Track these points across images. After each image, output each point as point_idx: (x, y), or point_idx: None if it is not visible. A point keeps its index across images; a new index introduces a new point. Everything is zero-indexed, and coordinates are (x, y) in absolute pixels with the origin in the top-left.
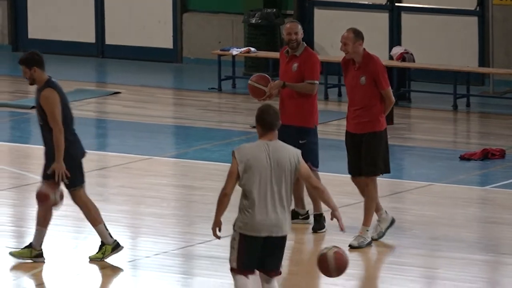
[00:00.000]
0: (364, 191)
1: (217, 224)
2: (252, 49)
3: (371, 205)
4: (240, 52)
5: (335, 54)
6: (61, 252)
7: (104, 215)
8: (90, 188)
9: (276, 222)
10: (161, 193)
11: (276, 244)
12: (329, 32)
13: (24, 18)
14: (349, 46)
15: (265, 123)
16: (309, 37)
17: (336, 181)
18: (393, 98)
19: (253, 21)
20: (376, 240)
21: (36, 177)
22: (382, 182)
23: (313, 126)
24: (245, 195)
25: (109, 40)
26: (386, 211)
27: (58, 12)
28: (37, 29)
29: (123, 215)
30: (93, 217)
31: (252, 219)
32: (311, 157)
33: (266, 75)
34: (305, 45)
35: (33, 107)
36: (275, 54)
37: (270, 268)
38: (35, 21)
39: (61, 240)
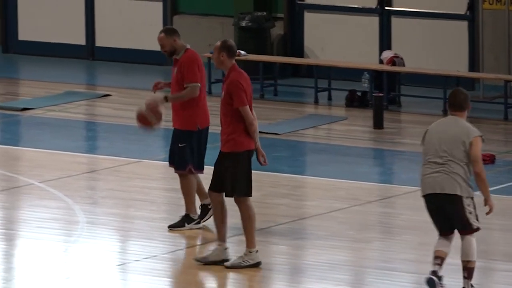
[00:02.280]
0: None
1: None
2: (242, 52)
3: (247, 225)
4: None
5: (325, 57)
6: (51, 255)
7: (94, 218)
8: (80, 191)
9: None
10: (150, 196)
11: None
12: (319, 35)
13: (14, 20)
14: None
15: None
16: (299, 40)
17: (327, 186)
18: (251, 119)
19: (243, 24)
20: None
21: (25, 179)
22: (372, 186)
23: (196, 129)
24: None
25: (99, 42)
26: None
27: (48, 14)
28: (27, 30)
29: (113, 218)
30: None
31: None
32: (192, 160)
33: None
34: (187, 47)
35: (23, 109)
36: (265, 58)
37: None
38: (25, 22)
39: (50, 243)
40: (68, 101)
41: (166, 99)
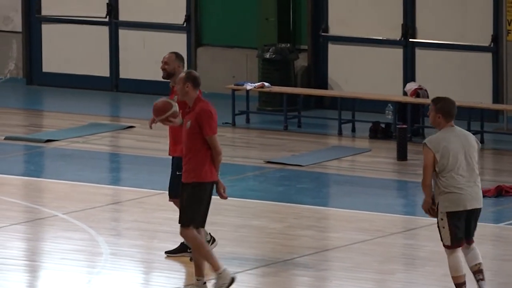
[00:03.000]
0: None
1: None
2: (266, 84)
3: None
4: (254, 87)
5: (349, 89)
6: (74, 287)
7: (118, 249)
8: (103, 222)
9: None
10: (174, 228)
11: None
12: (343, 67)
13: (38, 52)
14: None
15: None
16: (323, 72)
17: (350, 217)
18: (219, 148)
19: (267, 55)
20: None
21: (49, 211)
22: (395, 218)
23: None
24: None
25: (123, 74)
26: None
27: (72, 46)
28: (51, 62)
29: (137, 250)
30: None
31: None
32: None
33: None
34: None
35: (47, 141)
36: (289, 89)
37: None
38: (49, 54)
39: (74, 275)
40: (92, 133)
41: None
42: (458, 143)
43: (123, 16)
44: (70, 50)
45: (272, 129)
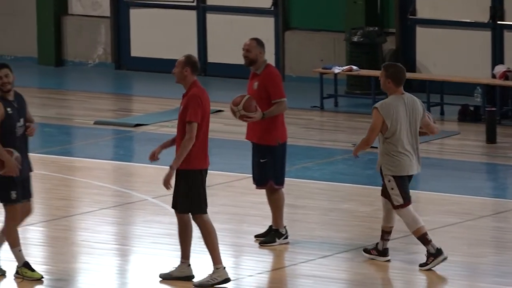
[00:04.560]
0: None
1: None
2: (354, 67)
3: (208, 242)
4: (342, 71)
5: (438, 73)
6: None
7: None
8: None
9: None
10: (263, 212)
11: None
12: (431, 50)
13: (126, 36)
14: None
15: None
16: (411, 55)
17: (440, 200)
18: (193, 136)
19: (355, 39)
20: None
21: (139, 195)
22: (485, 201)
23: (276, 144)
24: None
25: (211, 58)
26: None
27: (160, 30)
28: (139, 47)
29: (226, 234)
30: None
31: None
32: (272, 175)
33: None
34: (267, 62)
35: (136, 125)
36: (377, 73)
37: None
38: (137, 39)
39: (164, 259)
40: None
41: (263, 115)
42: (406, 111)
43: (210, 0)
44: (158, 35)
45: (360, 113)
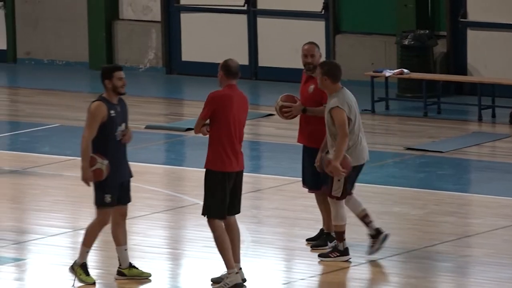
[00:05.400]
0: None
1: None
2: (405, 70)
3: (217, 247)
4: (393, 74)
5: (489, 75)
6: (217, 274)
7: (259, 237)
8: (245, 210)
9: None
10: (315, 215)
11: None
12: (483, 52)
13: (177, 41)
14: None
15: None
16: (462, 58)
17: (491, 203)
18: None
19: (406, 42)
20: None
21: (190, 199)
22: None
23: None
24: None
25: (262, 62)
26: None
27: (211, 35)
28: (190, 51)
29: (278, 237)
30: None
31: None
32: (325, 179)
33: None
34: None
35: (187, 129)
36: (428, 76)
37: None
38: (188, 43)
39: (216, 263)
40: None
41: (304, 111)
42: (354, 102)
43: (261, 4)
44: (209, 39)
45: (411, 116)
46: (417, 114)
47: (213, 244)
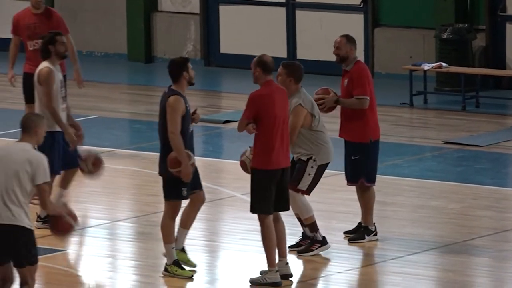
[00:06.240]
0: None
1: None
2: (444, 64)
3: (263, 243)
4: (432, 67)
5: None
6: (255, 267)
7: (295, 230)
8: None
9: None
10: (352, 208)
11: None
12: None
13: (216, 33)
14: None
15: None
16: (501, 52)
17: None
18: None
19: (445, 36)
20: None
21: (228, 192)
22: None
23: (368, 141)
24: None
25: (301, 55)
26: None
27: (249, 27)
28: (229, 43)
29: None
30: None
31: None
32: (363, 173)
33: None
34: (357, 59)
35: (225, 122)
36: (466, 70)
37: None
38: (227, 35)
39: (254, 255)
40: None
41: (337, 101)
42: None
43: None
44: (248, 31)
45: (450, 110)
46: (455, 108)
47: (250, 236)
